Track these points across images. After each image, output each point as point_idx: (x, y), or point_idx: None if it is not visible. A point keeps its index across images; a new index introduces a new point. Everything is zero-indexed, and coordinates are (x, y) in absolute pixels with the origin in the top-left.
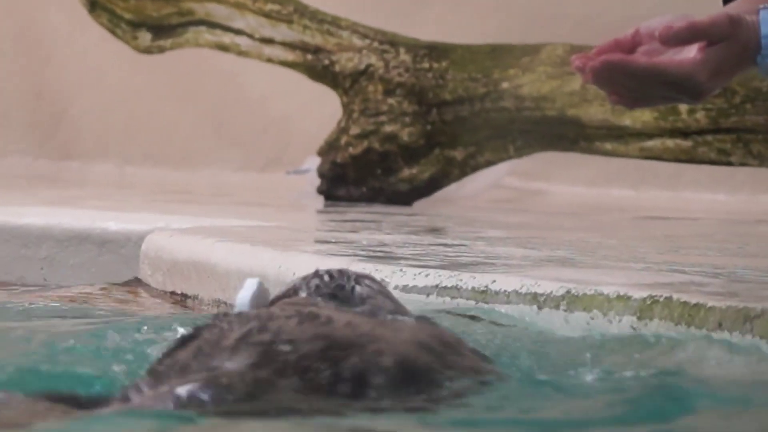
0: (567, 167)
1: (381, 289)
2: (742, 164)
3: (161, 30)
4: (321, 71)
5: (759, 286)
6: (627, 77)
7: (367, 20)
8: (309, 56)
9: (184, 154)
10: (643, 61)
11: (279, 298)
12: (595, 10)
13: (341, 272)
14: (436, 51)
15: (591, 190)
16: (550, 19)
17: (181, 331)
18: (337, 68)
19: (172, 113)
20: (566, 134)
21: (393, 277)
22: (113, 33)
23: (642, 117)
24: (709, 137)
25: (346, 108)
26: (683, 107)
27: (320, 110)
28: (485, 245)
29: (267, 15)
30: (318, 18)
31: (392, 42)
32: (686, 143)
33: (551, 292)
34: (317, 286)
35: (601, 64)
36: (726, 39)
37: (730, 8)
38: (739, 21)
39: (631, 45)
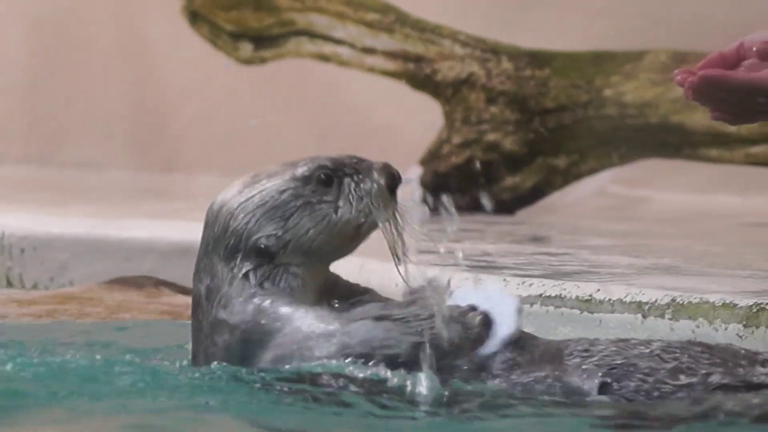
0: (671, 174)
1: None
2: None
3: (262, 40)
4: (422, 80)
5: None
6: (727, 92)
7: (468, 28)
8: (410, 65)
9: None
10: (741, 76)
11: None
12: (699, 13)
13: None
14: (537, 58)
15: (696, 196)
16: (654, 24)
17: None
18: (438, 77)
19: (274, 123)
20: (670, 141)
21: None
22: (214, 44)
23: None
24: None
25: (448, 117)
26: None
27: (422, 119)
28: (589, 254)
29: (368, 24)
30: (419, 27)
31: (494, 50)
32: None
33: (656, 301)
34: None
35: (700, 80)
36: None
37: None
38: None
39: (736, 59)
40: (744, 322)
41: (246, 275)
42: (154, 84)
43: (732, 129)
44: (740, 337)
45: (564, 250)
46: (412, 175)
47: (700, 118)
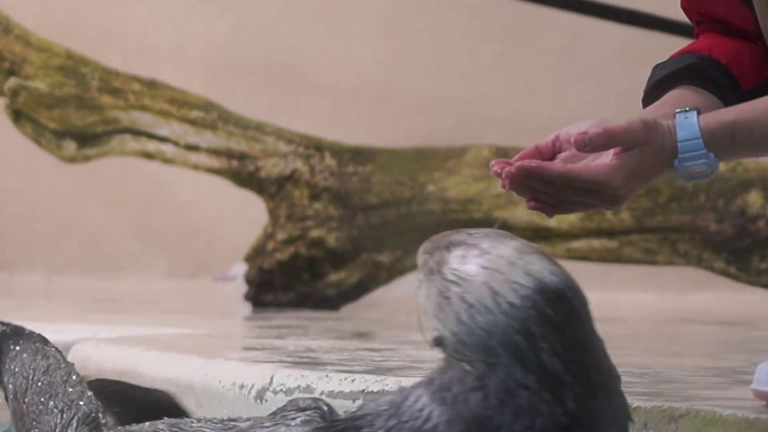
0: None
1: None
2: (669, 263)
3: (86, 139)
4: (246, 177)
5: (685, 386)
6: (544, 184)
7: (291, 125)
8: (234, 162)
9: (111, 262)
10: (557, 168)
11: None
12: (520, 111)
13: None
14: (360, 155)
15: None
16: (476, 121)
17: None
18: (262, 174)
19: (99, 221)
20: None
21: (319, 383)
22: (38, 142)
23: (567, 218)
24: (635, 237)
25: (272, 213)
26: None
27: (246, 216)
28: (412, 349)
29: (191, 122)
30: (242, 124)
31: (317, 146)
32: (612, 243)
33: None
34: None
35: (517, 171)
36: (641, 144)
37: (647, 112)
38: (655, 126)
39: (552, 151)
40: None
41: None
42: None
43: (553, 223)
44: None
45: (387, 346)
46: (236, 271)
47: (521, 213)
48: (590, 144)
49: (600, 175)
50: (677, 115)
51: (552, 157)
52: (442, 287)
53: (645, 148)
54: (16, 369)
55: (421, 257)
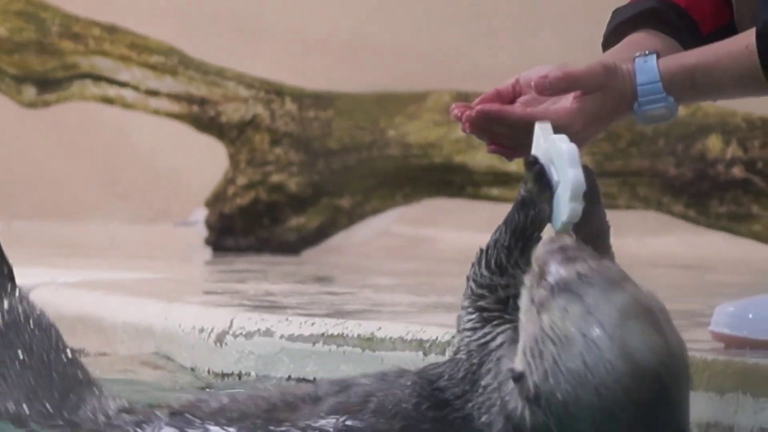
0: (455, 213)
1: None
2: (629, 207)
3: (46, 84)
4: (207, 122)
5: None
6: (504, 127)
7: (252, 70)
8: (195, 107)
9: (73, 208)
10: (518, 111)
11: None
12: (483, 59)
13: None
14: (321, 100)
15: (480, 236)
16: (439, 69)
17: None
18: (223, 119)
19: (59, 167)
20: (453, 181)
21: (279, 326)
22: None
23: None
24: None
25: (233, 159)
26: None
27: (207, 161)
28: (372, 293)
29: (152, 67)
30: (203, 69)
31: (278, 91)
32: None
33: (437, 338)
34: None
35: (478, 114)
36: (601, 88)
37: (608, 56)
38: (615, 70)
39: (512, 95)
40: None
41: None
42: None
43: (512, 168)
44: None
45: (347, 290)
46: (197, 216)
47: (482, 158)
48: (550, 87)
49: (560, 118)
50: (637, 59)
51: (512, 101)
52: (539, 335)
53: (605, 92)
54: None
55: (533, 263)
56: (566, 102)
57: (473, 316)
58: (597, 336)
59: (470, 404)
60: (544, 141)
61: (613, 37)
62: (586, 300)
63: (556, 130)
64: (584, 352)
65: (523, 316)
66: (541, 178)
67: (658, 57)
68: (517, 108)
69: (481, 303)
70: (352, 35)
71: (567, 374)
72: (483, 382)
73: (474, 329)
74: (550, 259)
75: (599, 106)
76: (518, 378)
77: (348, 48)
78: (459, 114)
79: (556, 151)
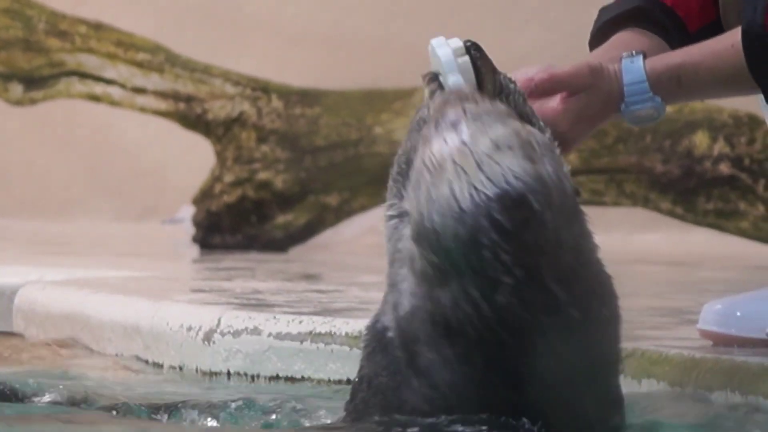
0: None
1: None
2: (616, 204)
3: (33, 82)
4: (194, 120)
5: (631, 326)
6: None
7: (238, 67)
8: (181, 105)
9: (59, 205)
10: None
11: None
12: None
13: None
14: (308, 97)
15: None
16: (424, 63)
17: None
18: (209, 116)
19: (46, 164)
20: None
21: (266, 324)
22: None
23: None
24: (582, 178)
25: (220, 156)
26: None
27: (194, 159)
28: (360, 290)
29: (138, 64)
30: (189, 66)
31: (264, 88)
32: None
33: None
34: None
35: None
36: (587, 88)
37: (594, 56)
38: (600, 70)
39: None
40: None
41: None
42: None
43: None
44: None
45: (335, 287)
46: (184, 214)
47: None
48: (537, 90)
49: (547, 119)
50: (623, 59)
51: None
52: (418, 167)
53: (591, 93)
54: None
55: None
56: (554, 102)
57: (392, 222)
58: (468, 163)
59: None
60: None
61: (599, 35)
62: (463, 131)
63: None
64: (452, 178)
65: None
66: (433, 95)
67: (644, 57)
68: None
69: (395, 208)
70: (336, 30)
71: (437, 202)
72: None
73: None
74: (441, 101)
75: (586, 106)
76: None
77: (332, 43)
78: None
79: (437, 61)
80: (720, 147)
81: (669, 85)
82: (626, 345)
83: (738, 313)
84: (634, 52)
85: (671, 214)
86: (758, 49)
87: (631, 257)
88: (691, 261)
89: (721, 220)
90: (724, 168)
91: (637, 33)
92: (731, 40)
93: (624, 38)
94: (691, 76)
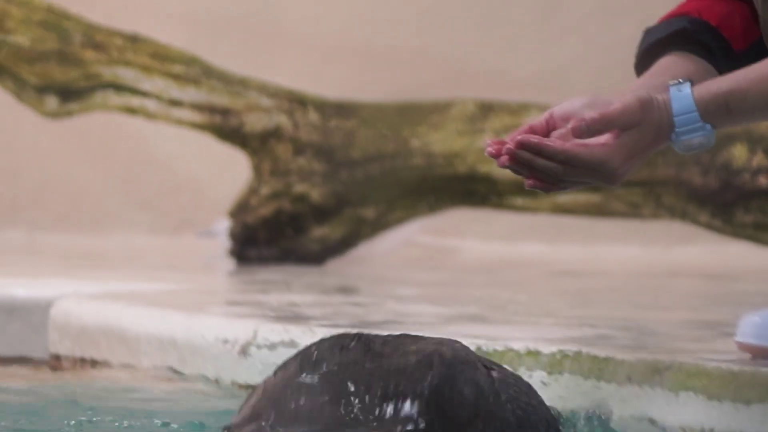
0: (479, 223)
1: None
2: (654, 217)
3: (68, 94)
4: (230, 132)
5: (669, 338)
6: (542, 161)
7: (275, 79)
8: (217, 117)
9: (95, 218)
10: (557, 145)
11: None
12: (504, 65)
13: None
14: (344, 109)
15: (504, 245)
16: (460, 75)
17: None
18: (246, 129)
19: (81, 177)
20: (478, 190)
21: (303, 337)
22: (19, 98)
23: None
24: (621, 190)
25: (256, 169)
26: None
27: (230, 171)
28: (396, 303)
29: (174, 77)
30: (225, 79)
31: (300, 101)
32: (597, 197)
33: None
34: None
35: (517, 145)
36: (638, 124)
37: (640, 84)
38: (650, 103)
39: (546, 129)
40: (548, 370)
41: None
42: None
43: None
44: (544, 383)
45: (371, 300)
46: (219, 227)
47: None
48: (588, 130)
49: (599, 155)
50: (671, 88)
51: (546, 136)
52: None
53: (642, 127)
54: None
55: None
56: (603, 139)
57: None
58: None
59: None
60: None
61: (645, 58)
62: None
63: (596, 166)
64: None
65: None
66: None
67: (692, 85)
68: (556, 141)
69: None
70: (372, 42)
71: None
72: None
73: None
74: None
75: (637, 140)
76: None
77: (368, 55)
78: (494, 151)
79: None
80: (759, 160)
81: (718, 112)
82: (664, 358)
83: None
84: (681, 80)
85: (709, 226)
86: None
87: (669, 270)
88: (729, 274)
89: (760, 232)
90: (763, 180)
91: (683, 57)
92: None
93: (669, 63)
94: (740, 101)
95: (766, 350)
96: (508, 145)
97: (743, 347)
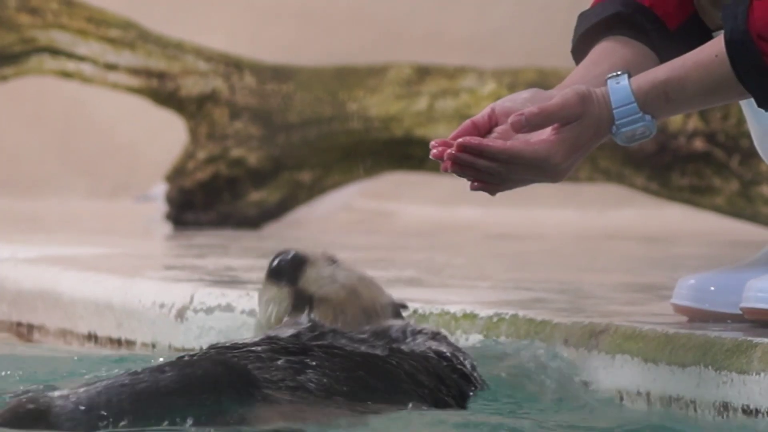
0: (416, 187)
1: None
2: (590, 180)
3: (4, 58)
4: (166, 96)
5: (605, 301)
6: (485, 163)
7: (211, 43)
8: (153, 81)
9: (31, 183)
10: (499, 144)
11: None
12: (441, 27)
13: None
14: (280, 73)
15: (441, 209)
16: (397, 38)
17: None
18: (182, 93)
19: (18, 142)
20: (414, 154)
21: (240, 301)
22: None
23: None
24: None
25: (193, 133)
26: None
27: (167, 135)
28: None
29: (110, 41)
30: (162, 43)
31: (237, 65)
32: None
33: None
34: None
35: (458, 148)
36: (578, 118)
37: (578, 76)
38: (589, 97)
39: (488, 125)
40: (484, 332)
41: None
42: None
43: None
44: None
45: None
46: (157, 191)
47: (443, 131)
48: (528, 125)
49: (541, 151)
50: (609, 81)
51: (489, 131)
52: None
53: (582, 121)
54: None
55: None
56: (545, 133)
57: None
58: None
59: None
60: None
61: (581, 45)
62: None
63: (539, 163)
64: None
65: None
66: None
67: (629, 76)
68: (498, 141)
69: None
70: (308, 4)
71: None
72: None
73: None
74: None
75: (578, 135)
76: None
77: (305, 18)
78: (440, 153)
79: None
80: (694, 123)
81: (657, 102)
82: (600, 320)
83: (712, 288)
84: (619, 72)
85: (645, 189)
86: (745, 57)
87: (605, 233)
88: (665, 237)
89: (696, 195)
90: (699, 144)
91: (620, 42)
92: (714, 49)
93: (608, 49)
94: (678, 90)
95: (702, 312)
96: (449, 150)
97: (679, 309)
